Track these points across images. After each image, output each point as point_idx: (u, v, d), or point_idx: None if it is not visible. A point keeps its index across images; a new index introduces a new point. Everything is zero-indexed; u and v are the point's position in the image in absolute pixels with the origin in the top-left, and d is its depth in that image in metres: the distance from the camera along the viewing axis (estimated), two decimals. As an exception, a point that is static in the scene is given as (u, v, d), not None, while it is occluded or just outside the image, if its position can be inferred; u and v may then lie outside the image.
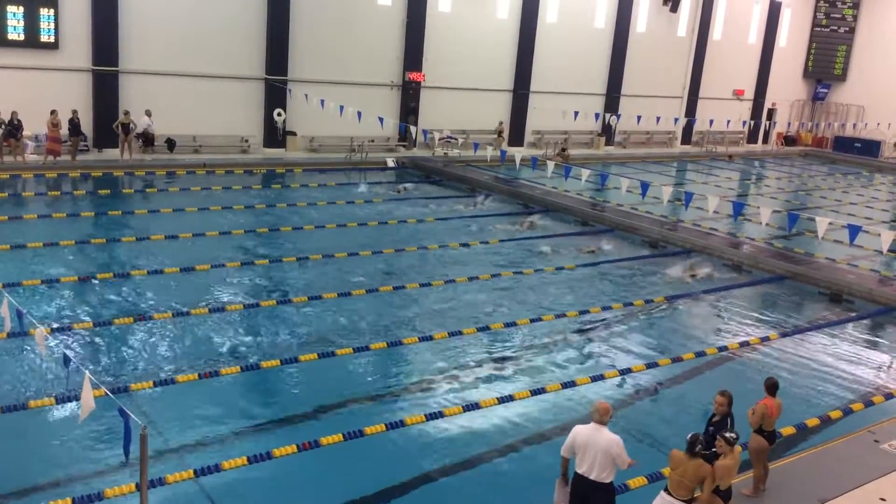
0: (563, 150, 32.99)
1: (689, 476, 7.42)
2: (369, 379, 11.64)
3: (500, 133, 33.61)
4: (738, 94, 44.16)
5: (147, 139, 25.43)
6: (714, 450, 7.73)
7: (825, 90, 47.74)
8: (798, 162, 42.64)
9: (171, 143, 26.06)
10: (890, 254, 20.15)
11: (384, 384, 11.57)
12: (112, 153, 25.07)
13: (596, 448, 7.39)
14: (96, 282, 14.59)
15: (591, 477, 7.40)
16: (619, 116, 35.82)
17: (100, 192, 22.02)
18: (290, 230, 19.37)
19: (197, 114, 26.52)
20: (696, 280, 17.86)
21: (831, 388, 12.55)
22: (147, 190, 22.47)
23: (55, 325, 12.19)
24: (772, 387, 8.74)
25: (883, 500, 8.77)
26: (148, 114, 25.23)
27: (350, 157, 28.89)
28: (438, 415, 10.39)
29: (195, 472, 8.55)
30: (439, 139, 30.36)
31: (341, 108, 25.78)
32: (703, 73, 41.57)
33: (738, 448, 7.71)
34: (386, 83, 31.23)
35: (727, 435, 7.63)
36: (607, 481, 7.42)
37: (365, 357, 12.25)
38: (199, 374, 10.98)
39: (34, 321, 8.76)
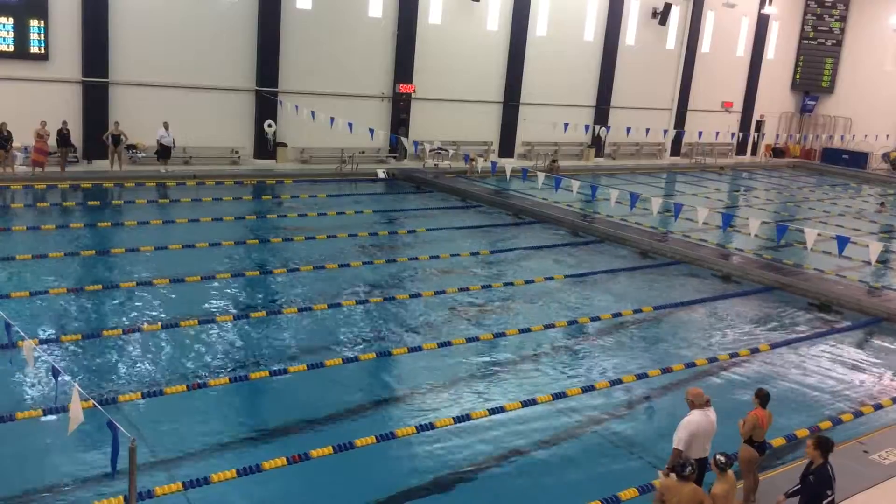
0: (554, 161, 33.10)
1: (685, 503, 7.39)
2: (359, 390, 11.60)
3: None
4: (726, 107, 44.41)
5: (162, 151, 25.29)
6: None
7: (813, 102, 48.05)
8: (786, 174, 42.86)
9: (161, 154, 25.94)
10: (878, 265, 20.29)
11: (374, 396, 11.53)
12: (102, 164, 25.02)
13: (707, 430, 8.20)
14: (85, 293, 14.50)
15: (703, 456, 8.11)
16: (608, 128, 35.91)
17: (89, 203, 21.92)
18: (281, 241, 19.34)
19: (187, 125, 26.38)
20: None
21: (821, 399, 12.59)
22: (137, 201, 22.37)
23: (44, 337, 12.12)
24: (763, 397, 8.79)
25: (872, 510, 8.80)
26: (165, 126, 25.09)
27: (341, 168, 28.91)
28: (429, 426, 10.35)
29: (184, 484, 8.49)
30: (430, 150, 30.42)
31: (332, 119, 25.78)
32: (691, 86, 41.80)
33: (730, 473, 7.70)
34: (377, 95, 31.28)
35: (719, 458, 7.66)
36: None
37: (355, 368, 12.23)
38: (188, 386, 10.92)
39: (22, 333, 8.70)
